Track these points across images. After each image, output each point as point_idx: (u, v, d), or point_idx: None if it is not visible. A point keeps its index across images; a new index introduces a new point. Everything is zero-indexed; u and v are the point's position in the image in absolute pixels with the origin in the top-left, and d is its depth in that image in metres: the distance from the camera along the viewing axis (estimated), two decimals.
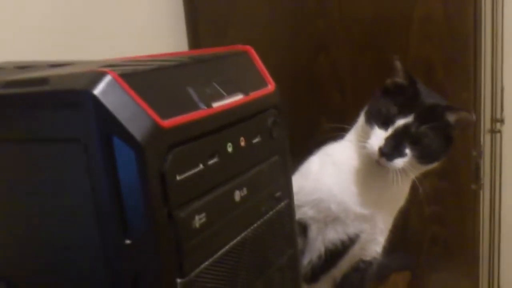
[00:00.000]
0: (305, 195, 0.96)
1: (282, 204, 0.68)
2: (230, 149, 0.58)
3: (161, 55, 0.70)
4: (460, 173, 1.31)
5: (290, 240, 0.71)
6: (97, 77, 0.48)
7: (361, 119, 1.00)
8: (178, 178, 0.51)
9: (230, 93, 0.59)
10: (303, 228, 0.97)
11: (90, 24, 1.17)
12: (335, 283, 1.04)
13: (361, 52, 1.37)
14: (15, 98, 0.52)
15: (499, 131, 1.60)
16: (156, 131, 0.49)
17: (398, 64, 0.97)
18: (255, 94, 0.63)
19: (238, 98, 0.60)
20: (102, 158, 0.49)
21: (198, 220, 0.53)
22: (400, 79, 0.97)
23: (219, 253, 0.57)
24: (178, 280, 0.52)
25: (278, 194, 0.67)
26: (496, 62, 1.59)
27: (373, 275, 1.08)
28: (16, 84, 0.53)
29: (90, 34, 1.16)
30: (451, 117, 0.93)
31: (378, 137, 0.92)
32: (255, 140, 0.63)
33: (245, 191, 0.61)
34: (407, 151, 0.91)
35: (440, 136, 0.93)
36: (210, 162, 0.55)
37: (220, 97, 0.58)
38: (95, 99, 0.47)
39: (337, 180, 0.96)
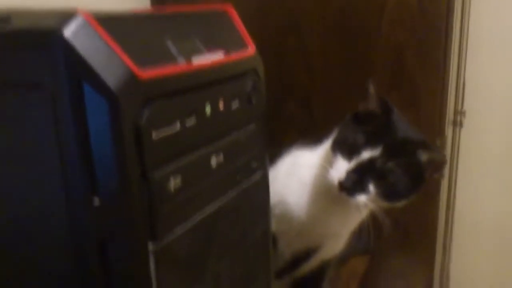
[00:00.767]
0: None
1: (257, 175, 0.65)
2: (208, 111, 0.54)
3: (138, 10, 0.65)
4: None
5: (263, 213, 0.68)
6: (67, 17, 0.43)
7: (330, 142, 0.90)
8: (154, 136, 0.47)
9: (211, 50, 0.55)
10: (273, 241, 0.92)
11: None
12: (294, 281, 1.01)
13: (332, 33, 1.35)
14: None
15: (461, 123, 1.62)
16: (132, 81, 0.45)
17: (372, 89, 0.86)
18: (235, 55, 0.60)
19: (218, 56, 0.56)
20: (70, 108, 0.44)
21: (173, 183, 0.49)
22: (372, 106, 0.86)
23: (193, 219, 0.53)
24: (150, 246, 0.47)
25: (254, 164, 0.64)
26: (461, 56, 1.60)
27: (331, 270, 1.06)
28: None
29: None
30: (423, 156, 0.83)
31: (340, 169, 0.83)
32: (234, 105, 0.59)
33: (221, 157, 0.57)
34: (371, 187, 0.82)
35: (408, 174, 0.82)
36: (188, 122, 0.51)
37: (200, 52, 0.54)
38: (64, 41, 0.42)
39: (300, 201, 0.90)
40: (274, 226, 0.80)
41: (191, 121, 0.51)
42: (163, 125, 0.48)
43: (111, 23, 0.46)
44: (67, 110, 0.44)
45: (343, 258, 1.27)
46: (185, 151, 0.51)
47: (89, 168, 0.44)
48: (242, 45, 0.63)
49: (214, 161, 0.56)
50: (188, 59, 0.51)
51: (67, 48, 0.42)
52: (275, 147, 0.88)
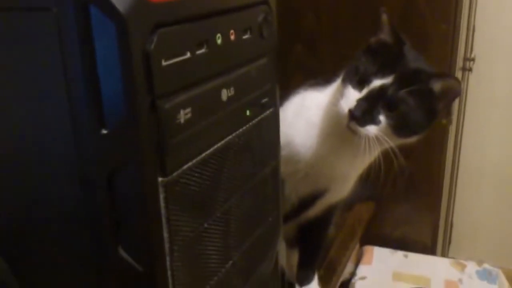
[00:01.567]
0: None
1: (268, 112, 0.63)
2: (219, 41, 0.52)
3: None
4: None
5: (273, 150, 0.66)
6: None
7: (340, 79, 0.87)
8: (163, 63, 0.45)
9: None
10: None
11: None
12: (300, 225, 1.00)
13: None
14: None
15: (470, 69, 1.59)
16: (142, 3, 0.42)
17: (384, 18, 0.83)
18: None
19: None
20: (76, 32, 0.42)
21: (183, 115, 0.47)
22: (385, 35, 0.83)
23: (204, 154, 0.51)
24: (160, 179, 0.46)
25: (264, 100, 0.62)
26: (472, 2, 1.56)
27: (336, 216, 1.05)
28: None
29: None
30: (436, 85, 0.80)
31: (350, 98, 0.80)
32: (245, 36, 0.57)
33: (232, 91, 0.55)
34: (381, 117, 0.79)
35: (421, 106, 0.79)
36: (198, 51, 0.49)
37: None
38: None
39: (307, 142, 0.87)
40: (281, 168, 0.79)
41: (202, 50, 0.49)
42: (173, 52, 0.46)
43: None
44: (72, 35, 0.42)
45: (349, 204, 1.28)
46: (195, 82, 0.49)
47: (96, 95, 0.42)
48: None
49: (224, 95, 0.54)
50: None
51: None
52: (282, 90, 0.86)
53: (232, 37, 0.54)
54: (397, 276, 1.27)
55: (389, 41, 0.83)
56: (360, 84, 0.81)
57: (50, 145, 0.46)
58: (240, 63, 0.57)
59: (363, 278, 1.26)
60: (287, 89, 0.95)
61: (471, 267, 1.31)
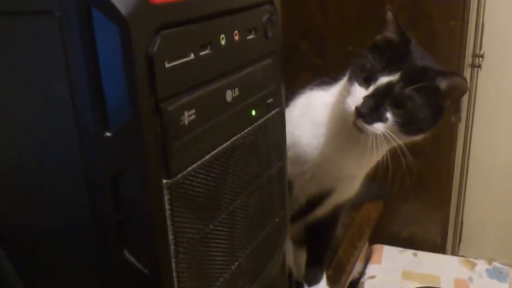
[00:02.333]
0: None
1: (273, 112, 0.63)
2: (223, 42, 0.52)
3: None
4: None
5: (279, 150, 0.66)
6: None
7: (346, 78, 0.86)
8: (167, 65, 0.45)
9: None
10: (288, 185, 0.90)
11: None
12: (307, 225, 1.00)
13: None
14: None
15: (479, 66, 1.58)
16: (145, 6, 0.42)
17: (390, 16, 0.82)
18: None
19: None
20: (79, 35, 0.42)
21: (187, 116, 0.47)
22: (390, 33, 0.83)
23: (208, 156, 0.51)
24: (164, 181, 0.46)
25: (269, 100, 0.62)
26: None
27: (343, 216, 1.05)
28: None
29: None
30: (443, 83, 0.79)
31: (357, 95, 0.79)
32: (249, 37, 0.56)
33: (236, 91, 0.55)
34: (388, 115, 0.78)
35: (427, 103, 0.79)
36: (202, 53, 0.49)
37: None
38: None
39: (314, 142, 0.87)
40: (288, 169, 0.78)
41: (205, 51, 0.49)
42: (177, 54, 0.46)
43: None
44: (76, 37, 0.42)
45: (357, 203, 1.27)
46: (199, 84, 0.49)
47: (100, 98, 0.42)
48: None
49: (229, 95, 0.53)
50: None
51: None
52: (288, 88, 0.86)
53: (236, 37, 0.54)
54: (407, 275, 1.26)
55: (394, 39, 0.83)
56: (366, 81, 0.80)
57: (54, 148, 0.46)
58: (244, 63, 0.56)
59: (372, 277, 1.26)
60: (293, 88, 0.95)
61: (481, 265, 1.30)
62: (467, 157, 1.67)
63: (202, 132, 0.50)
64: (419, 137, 0.82)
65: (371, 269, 1.28)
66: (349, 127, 0.81)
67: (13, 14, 0.43)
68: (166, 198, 0.47)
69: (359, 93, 0.80)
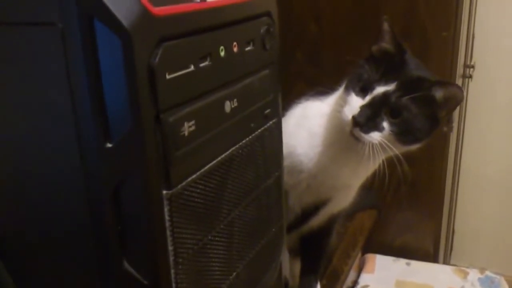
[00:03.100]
0: None
1: (271, 122, 0.63)
2: (222, 53, 0.52)
3: None
4: None
5: (276, 160, 0.66)
6: None
7: (342, 87, 0.87)
8: (168, 76, 0.45)
9: None
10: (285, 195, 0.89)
11: None
12: (302, 234, 1.00)
13: None
14: None
15: (470, 76, 1.60)
16: (146, 18, 0.42)
17: (386, 26, 0.84)
18: None
19: None
20: (81, 47, 0.42)
21: (187, 127, 0.48)
22: (387, 44, 0.84)
23: (208, 166, 0.51)
24: (164, 192, 0.46)
25: (267, 111, 0.62)
26: (471, 9, 1.56)
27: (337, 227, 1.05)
28: None
29: None
30: (438, 93, 0.80)
31: (354, 105, 0.80)
32: (248, 48, 0.57)
33: (235, 102, 0.55)
34: (385, 124, 0.79)
35: (423, 113, 0.80)
36: (202, 64, 0.49)
37: None
38: None
39: (310, 151, 0.87)
40: (284, 179, 0.79)
41: (205, 63, 0.49)
42: (177, 65, 0.46)
43: None
44: (78, 49, 0.42)
45: (351, 213, 1.27)
46: (199, 95, 0.49)
47: (101, 109, 0.43)
48: None
49: (228, 106, 0.54)
50: None
51: None
52: (283, 99, 0.86)
53: (235, 49, 0.54)
54: (400, 285, 1.27)
55: (390, 49, 0.84)
56: (363, 91, 0.81)
57: (55, 159, 0.46)
58: (243, 74, 0.57)
59: (365, 286, 1.26)
60: (288, 98, 0.95)
61: (474, 274, 1.31)
62: (458, 167, 1.69)
63: (201, 143, 0.50)
64: (414, 147, 0.83)
65: (364, 279, 1.29)
66: (345, 137, 0.82)
67: (16, 25, 0.43)
68: (166, 209, 0.47)
69: (355, 103, 0.81)
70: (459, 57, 1.39)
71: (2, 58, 0.45)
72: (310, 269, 1.01)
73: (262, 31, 0.59)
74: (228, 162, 0.55)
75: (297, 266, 1.02)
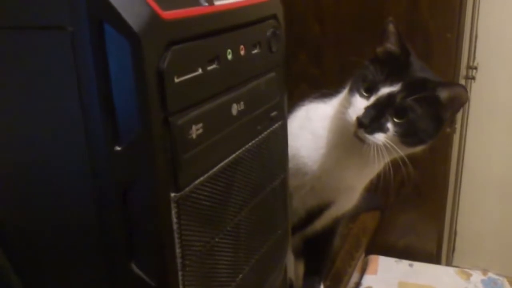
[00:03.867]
0: None
1: (277, 125, 0.64)
2: (230, 56, 0.52)
3: None
4: None
5: (282, 162, 0.66)
6: None
7: (346, 89, 0.88)
8: (176, 80, 0.45)
9: None
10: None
11: None
12: (306, 236, 1.00)
13: None
14: None
15: (473, 78, 1.60)
16: (156, 22, 0.43)
17: (391, 28, 0.84)
18: None
19: None
20: (91, 50, 0.42)
21: (195, 130, 0.48)
22: (392, 45, 0.84)
23: (215, 168, 0.52)
24: (172, 194, 0.46)
25: (273, 113, 0.62)
26: (474, 10, 1.56)
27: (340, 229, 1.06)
28: None
29: None
30: (443, 93, 0.80)
31: (358, 106, 0.80)
32: (254, 51, 0.57)
33: (242, 105, 0.55)
34: (389, 125, 0.79)
35: (428, 114, 0.80)
36: (210, 67, 0.49)
37: None
38: None
39: (314, 154, 0.87)
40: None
41: (213, 66, 0.50)
42: (186, 69, 0.46)
43: None
44: (87, 53, 0.42)
45: (355, 214, 1.28)
46: (206, 98, 0.50)
47: (110, 113, 0.43)
48: None
49: (235, 109, 0.54)
50: (210, 1, 0.49)
51: None
52: (287, 101, 0.86)
53: (242, 52, 0.55)
54: (403, 286, 1.27)
55: (395, 51, 0.84)
56: (368, 92, 0.81)
57: (64, 162, 0.46)
58: (250, 77, 0.57)
59: None
60: (291, 99, 0.95)
61: (477, 276, 1.31)
62: (461, 168, 1.69)
63: (209, 145, 0.50)
64: (419, 149, 0.83)
65: (367, 280, 1.29)
66: (349, 139, 0.82)
67: (26, 29, 0.44)
68: (173, 211, 0.47)
69: (360, 104, 0.81)
70: (462, 58, 1.40)
71: (12, 62, 0.45)
72: (313, 271, 1.02)
73: (268, 34, 0.59)
74: (235, 165, 0.55)
75: (301, 268, 1.03)
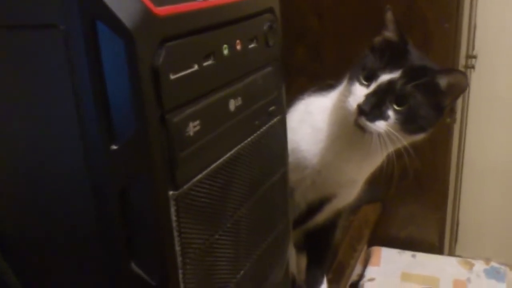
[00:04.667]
0: None
1: (275, 119, 0.63)
2: (226, 52, 0.52)
3: None
4: None
5: (281, 157, 0.66)
6: None
7: (346, 80, 0.86)
8: (171, 77, 0.45)
9: None
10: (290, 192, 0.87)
11: None
12: (307, 230, 1.00)
13: None
14: None
15: (473, 67, 1.59)
16: (149, 18, 0.42)
17: (390, 15, 0.83)
18: None
19: None
20: (84, 49, 0.42)
21: (192, 127, 0.47)
22: (390, 33, 0.83)
23: (213, 165, 0.51)
24: (171, 192, 0.46)
25: (271, 108, 0.62)
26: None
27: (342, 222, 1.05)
28: None
29: None
30: (443, 80, 0.80)
31: (358, 94, 0.80)
32: (251, 46, 0.57)
33: (239, 100, 0.55)
34: (390, 113, 0.78)
35: (428, 101, 0.79)
36: (206, 63, 0.49)
37: None
38: None
39: (314, 147, 0.87)
40: (289, 176, 0.78)
41: (208, 62, 0.49)
42: (181, 65, 0.46)
43: None
44: (81, 51, 0.42)
45: (356, 207, 1.27)
46: (203, 94, 0.49)
47: (106, 111, 0.42)
48: None
49: (232, 105, 0.54)
50: None
51: None
52: (286, 94, 0.85)
53: (239, 47, 0.54)
54: (406, 277, 1.27)
55: (393, 38, 0.84)
56: (367, 79, 0.80)
57: (61, 162, 0.46)
58: (246, 72, 0.57)
59: (371, 279, 1.26)
60: (290, 93, 0.95)
61: (479, 265, 1.31)
62: (461, 158, 1.68)
63: (206, 142, 0.50)
64: (420, 137, 0.82)
65: (370, 272, 1.29)
66: (350, 131, 0.81)
67: (19, 28, 0.43)
68: (172, 209, 0.47)
69: (360, 92, 0.80)
70: (461, 47, 1.39)
71: (6, 61, 0.45)
72: (316, 264, 1.01)
73: (265, 28, 0.59)
74: (234, 161, 0.55)
75: (303, 261, 1.02)
